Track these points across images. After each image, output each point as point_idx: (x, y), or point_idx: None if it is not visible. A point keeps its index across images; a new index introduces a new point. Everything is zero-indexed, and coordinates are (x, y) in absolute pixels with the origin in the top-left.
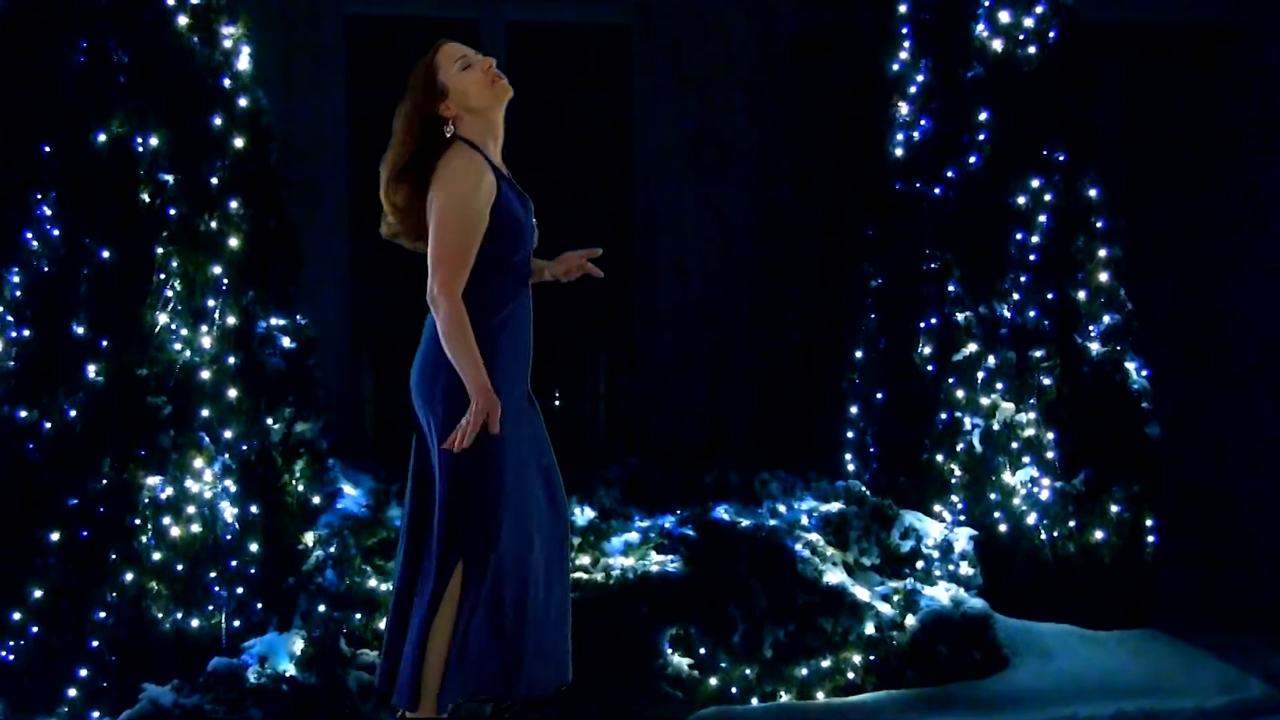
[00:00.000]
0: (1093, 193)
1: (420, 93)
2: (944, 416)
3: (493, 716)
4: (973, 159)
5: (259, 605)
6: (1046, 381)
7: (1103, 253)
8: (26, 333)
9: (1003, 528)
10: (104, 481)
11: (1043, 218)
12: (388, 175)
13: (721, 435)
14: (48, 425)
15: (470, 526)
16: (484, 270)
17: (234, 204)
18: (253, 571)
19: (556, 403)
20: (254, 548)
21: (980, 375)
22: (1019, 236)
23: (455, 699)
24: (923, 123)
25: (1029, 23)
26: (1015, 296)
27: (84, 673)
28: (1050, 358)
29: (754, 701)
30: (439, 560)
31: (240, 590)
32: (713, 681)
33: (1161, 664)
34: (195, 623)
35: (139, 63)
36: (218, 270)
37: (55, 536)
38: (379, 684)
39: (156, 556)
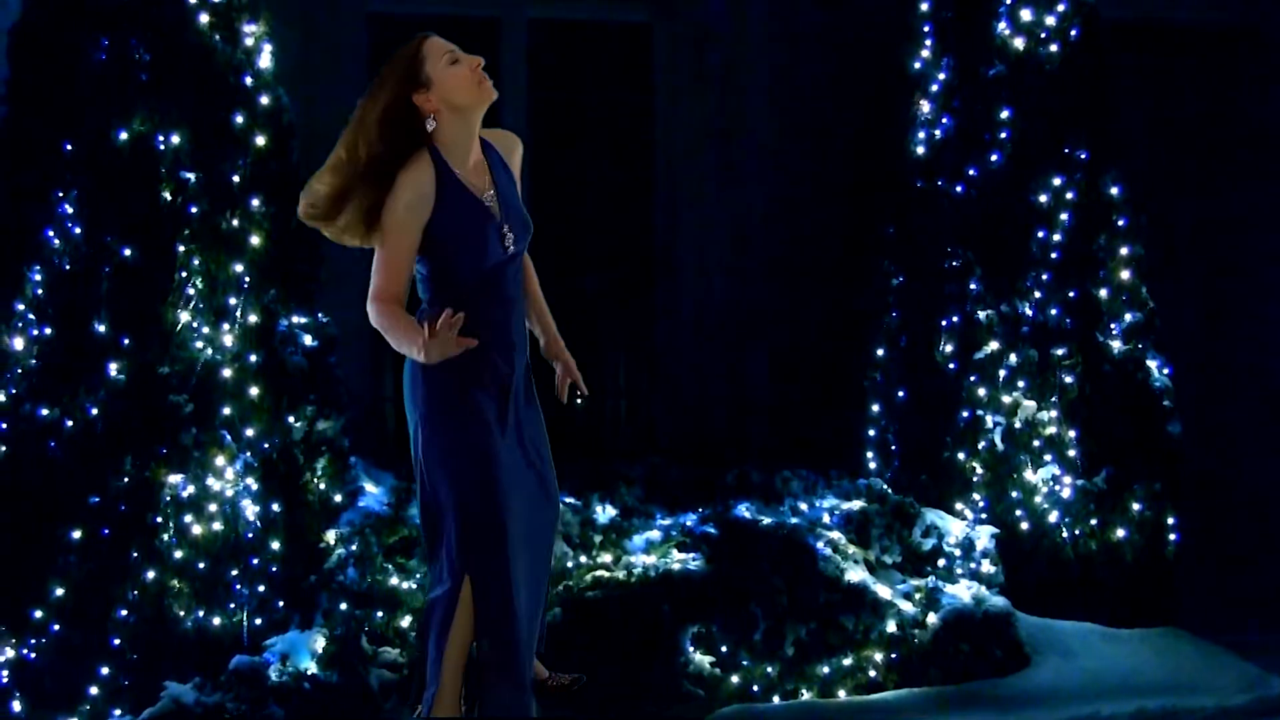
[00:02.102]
0: (1114, 191)
1: (400, 83)
2: (965, 414)
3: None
4: (994, 157)
5: (280, 603)
6: (1068, 379)
7: (1124, 251)
8: (48, 331)
9: (1024, 526)
10: (125, 480)
11: (1064, 216)
12: (343, 156)
13: (743, 432)
14: (69, 423)
15: (469, 545)
16: (445, 283)
17: (255, 202)
18: (274, 569)
19: (578, 400)
20: (275, 546)
21: (1002, 373)
22: (1040, 234)
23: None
24: (944, 121)
25: (1050, 21)
26: (1037, 294)
27: (105, 671)
28: (1072, 356)
29: (775, 699)
30: (448, 568)
31: (262, 588)
32: (734, 679)
33: (1183, 662)
34: (217, 621)
35: (160, 61)
36: (239, 268)
37: (77, 534)
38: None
39: (178, 554)
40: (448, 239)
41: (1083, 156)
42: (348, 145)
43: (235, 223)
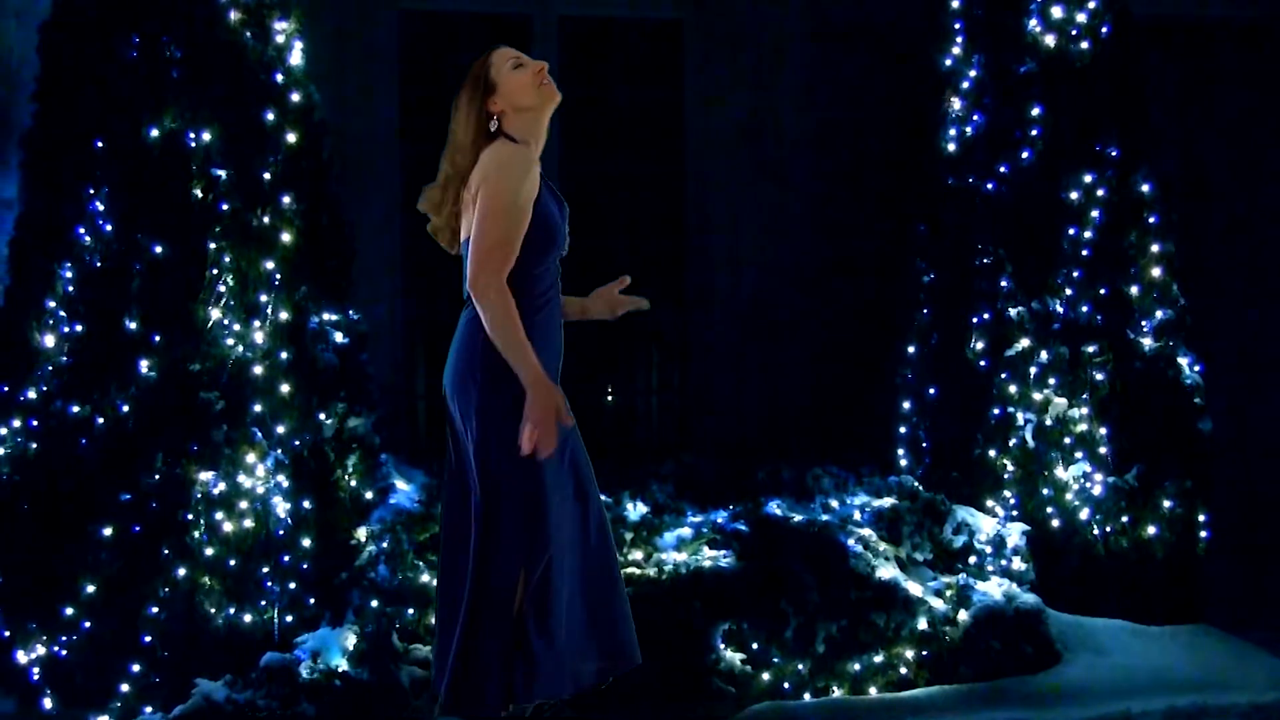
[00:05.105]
0: (1145, 188)
1: (472, 93)
2: (996, 411)
3: (533, 717)
4: (1025, 154)
5: (311, 600)
6: (1099, 377)
7: (1155, 248)
8: (79, 328)
9: (1055, 523)
10: (156, 476)
11: (1095, 213)
12: (451, 172)
13: (774, 430)
14: (100, 420)
15: (520, 536)
16: (516, 277)
17: (286, 199)
18: (305, 567)
19: (609, 397)
20: (306, 543)
21: (1033, 370)
22: (1071, 231)
23: (529, 701)
24: (975, 118)
25: (1081, 18)
26: (1068, 291)
27: (136, 668)
28: (1103, 353)
29: (806, 697)
30: (483, 566)
31: (292, 585)
32: (765, 677)
33: (1213, 659)
34: (247, 618)
35: (192, 58)
36: (270, 265)
37: (108, 531)
38: (435, 688)
39: (209, 551)
40: (538, 226)
41: (1114, 154)
42: (448, 159)
43: (266, 220)
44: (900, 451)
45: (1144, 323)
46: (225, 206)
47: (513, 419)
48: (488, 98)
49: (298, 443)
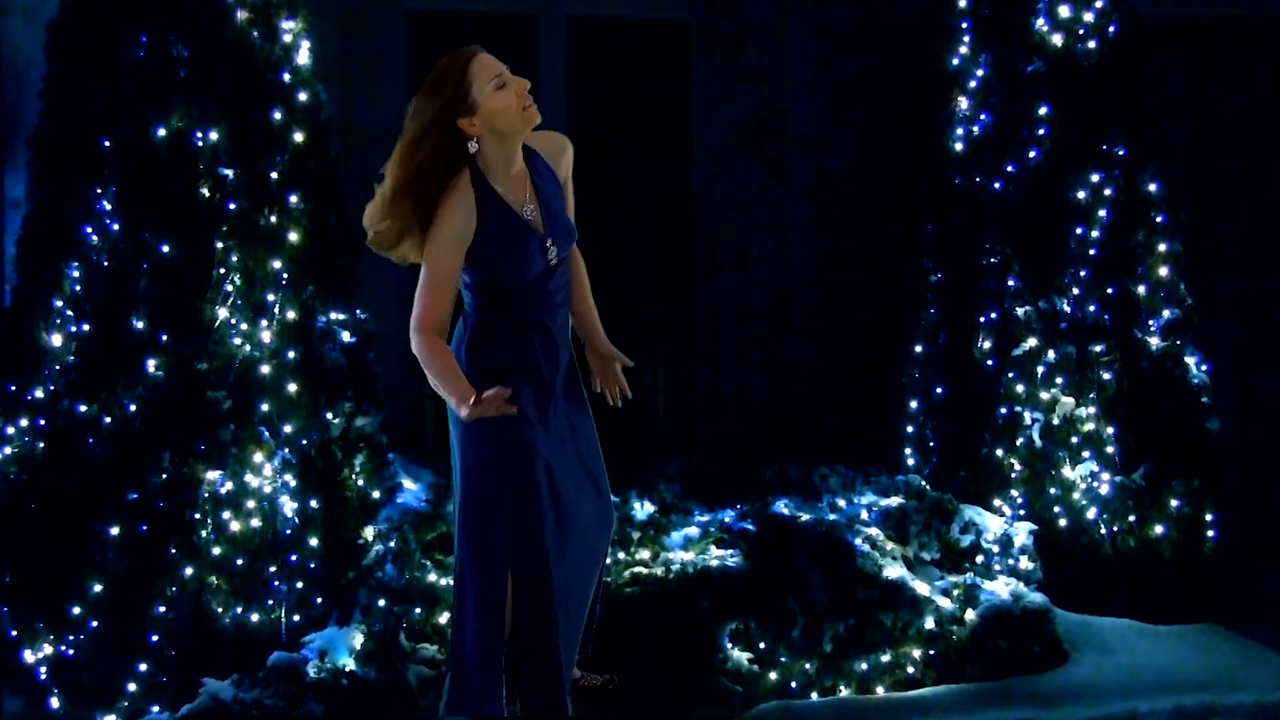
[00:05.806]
0: (1153, 187)
1: (448, 101)
2: (1004, 411)
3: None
4: (1032, 154)
5: (318, 600)
6: (1106, 376)
7: (1163, 247)
8: (86, 327)
9: (1062, 522)
10: (164, 476)
11: (1102, 212)
12: (393, 185)
13: (781, 429)
14: (107, 420)
15: (505, 536)
16: (488, 291)
17: (294, 198)
18: (312, 566)
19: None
20: (313, 542)
21: (1040, 370)
22: (1079, 231)
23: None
24: (982, 117)
25: (1089, 17)
26: (1075, 291)
27: (143, 667)
28: (1110, 352)
29: (814, 696)
30: (487, 564)
31: (300, 585)
32: (772, 676)
33: (1221, 658)
34: (255, 617)
35: (199, 57)
36: (277, 265)
37: (115, 531)
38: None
39: (216, 551)
40: (490, 256)
41: (1121, 153)
42: (398, 179)
43: (273, 219)
44: (907, 451)
45: (1151, 322)
46: (232, 206)
47: (494, 426)
48: (462, 117)
49: (305, 442)
